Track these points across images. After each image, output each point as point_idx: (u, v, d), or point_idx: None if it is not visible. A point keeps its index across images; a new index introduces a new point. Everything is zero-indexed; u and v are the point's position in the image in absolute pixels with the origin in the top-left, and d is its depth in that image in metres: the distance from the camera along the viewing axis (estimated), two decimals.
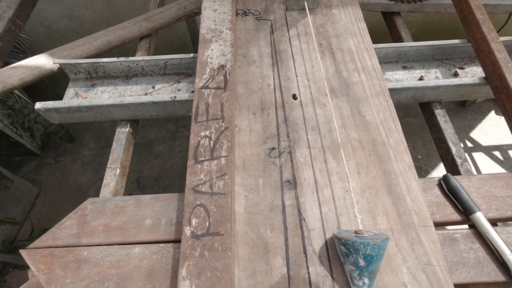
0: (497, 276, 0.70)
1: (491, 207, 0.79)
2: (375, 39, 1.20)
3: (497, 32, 1.20)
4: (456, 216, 0.77)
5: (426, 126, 3.00)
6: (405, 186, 0.76)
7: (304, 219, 0.71)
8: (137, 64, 1.07)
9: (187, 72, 1.11)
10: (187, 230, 0.64)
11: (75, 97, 1.05)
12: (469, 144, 2.90)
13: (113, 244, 0.75)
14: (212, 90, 0.81)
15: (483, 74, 1.03)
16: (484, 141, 2.91)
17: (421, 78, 1.08)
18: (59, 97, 0.98)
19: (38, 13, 2.43)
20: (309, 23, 0.98)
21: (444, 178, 0.81)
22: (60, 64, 1.04)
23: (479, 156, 2.82)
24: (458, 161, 0.93)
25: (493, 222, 0.80)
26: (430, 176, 2.60)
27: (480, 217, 0.74)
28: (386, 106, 0.86)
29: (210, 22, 0.95)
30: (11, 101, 2.33)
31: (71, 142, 2.93)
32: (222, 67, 0.84)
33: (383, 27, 1.51)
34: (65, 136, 2.82)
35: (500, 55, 0.92)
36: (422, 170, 2.67)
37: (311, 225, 0.70)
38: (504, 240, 0.72)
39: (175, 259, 0.71)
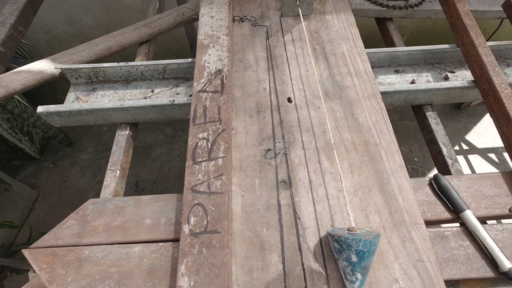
0: (486, 272, 0.73)
1: (480, 205, 0.81)
2: (370, 44, 1.23)
3: (489, 38, 1.23)
4: (446, 215, 0.80)
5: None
6: (396, 185, 0.78)
7: (299, 218, 0.74)
8: (136, 69, 1.10)
9: (185, 76, 1.14)
10: (186, 228, 0.66)
11: (76, 101, 1.08)
12: (465, 147, 2.94)
13: (114, 244, 0.77)
14: (210, 93, 0.84)
15: (472, 78, 1.06)
16: (480, 144, 2.95)
17: (412, 82, 1.12)
18: (58, 101, 1.01)
19: (38, 18, 2.46)
20: (303, 29, 1.01)
21: (435, 177, 0.84)
22: (61, 69, 1.07)
23: (474, 158, 2.86)
24: (449, 161, 0.96)
25: (482, 220, 0.82)
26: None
27: (470, 215, 0.77)
28: (378, 108, 0.89)
29: (208, 28, 0.98)
30: (11, 106, 2.34)
31: (69, 146, 2.95)
32: (219, 71, 0.87)
33: (378, 32, 1.55)
34: (64, 140, 2.84)
35: (487, 59, 0.95)
36: (419, 172, 2.70)
37: (306, 224, 0.73)
38: (493, 237, 0.74)
39: (174, 257, 0.73)
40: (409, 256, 0.70)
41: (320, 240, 0.71)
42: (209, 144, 0.75)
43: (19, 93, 1.05)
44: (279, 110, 0.89)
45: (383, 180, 0.79)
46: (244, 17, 1.10)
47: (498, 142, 2.93)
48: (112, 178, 0.94)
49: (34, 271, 0.84)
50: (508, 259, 0.71)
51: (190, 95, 1.06)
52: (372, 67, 0.98)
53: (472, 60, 1.00)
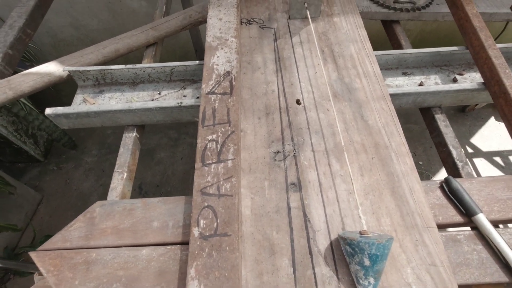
0: (501, 277, 0.71)
1: (493, 209, 0.80)
2: (376, 47, 1.23)
3: (494, 39, 1.22)
4: (458, 218, 0.79)
5: (427, 132, 3.03)
6: (407, 188, 0.77)
7: (309, 221, 0.73)
8: (144, 71, 1.10)
9: (192, 78, 1.14)
10: (195, 231, 0.65)
11: (83, 103, 1.08)
12: (470, 150, 2.92)
13: (121, 246, 0.76)
14: (219, 95, 0.83)
15: (481, 80, 1.05)
16: (484, 147, 2.93)
17: (421, 84, 1.11)
18: (63, 104, 1.01)
19: (44, 22, 2.48)
20: (311, 31, 1.01)
21: (446, 180, 0.83)
22: (69, 71, 1.07)
23: (479, 162, 2.84)
24: (459, 164, 0.95)
25: (495, 224, 0.81)
26: None
27: (482, 219, 0.75)
28: (387, 110, 0.88)
29: (216, 31, 0.98)
30: (16, 108, 2.35)
31: (74, 149, 2.95)
32: (228, 73, 0.87)
33: (383, 35, 1.55)
34: (68, 143, 2.85)
35: (498, 61, 0.95)
36: (424, 176, 2.68)
37: (316, 227, 0.72)
38: (507, 241, 0.73)
39: (182, 260, 0.72)
40: (422, 260, 0.68)
41: (331, 243, 0.70)
42: (218, 146, 0.74)
43: (27, 95, 1.05)
44: (288, 112, 0.88)
45: (394, 182, 0.78)
46: (252, 20, 1.10)
47: (503, 146, 2.91)
48: (119, 180, 0.93)
49: (39, 274, 0.83)
50: None
51: (198, 97, 1.06)
52: (380, 70, 0.98)
53: (482, 62, 0.99)
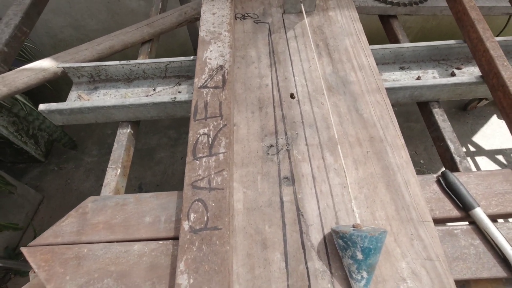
0: (498, 272, 0.70)
1: (491, 203, 0.78)
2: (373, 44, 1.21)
3: (497, 35, 1.21)
4: (455, 212, 0.77)
5: (427, 131, 3.00)
6: (403, 181, 0.76)
7: (302, 215, 0.71)
8: (138, 67, 1.10)
9: (187, 74, 1.14)
10: (186, 225, 0.64)
11: (78, 100, 1.07)
12: (472, 148, 2.89)
13: (113, 241, 0.76)
14: (211, 89, 0.82)
15: (480, 73, 1.04)
16: (487, 145, 2.89)
17: (418, 78, 1.09)
18: None
19: (44, 23, 2.49)
20: (306, 25, 1.00)
21: (443, 174, 0.81)
22: (63, 67, 1.07)
23: (482, 160, 2.81)
24: (457, 159, 0.93)
25: (493, 218, 0.79)
26: None
27: (480, 213, 0.74)
28: (383, 103, 0.87)
29: (209, 25, 0.98)
30: (16, 109, 2.36)
31: (74, 149, 2.96)
32: (221, 67, 0.86)
33: (381, 33, 1.54)
34: (68, 143, 2.85)
35: (496, 53, 0.93)
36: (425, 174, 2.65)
37: (309, 221, 0.71)
38: (505, 236, 0.71)
39: (174, 255, 0.71)
40: (417, 254, 0.67)
41: (324, 237, 0.69)
42: (210, 139, 0.74)
43: (22, 91, 1.05)
44: (282, 106, 0.87)
45: (389, 176, 0.76)
46: (246, 15, 1.09)
47: (506, 144, 2.87)
48: (113, 176, 0.93)
49: (34, 271, 0.83)
50: None
51: (192, 93, 1.05)
52: (376, 64, 0.97)
53: (480, 55, 0.98)
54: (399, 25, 1.30)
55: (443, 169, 0.89)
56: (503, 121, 3.08)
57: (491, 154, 2.85)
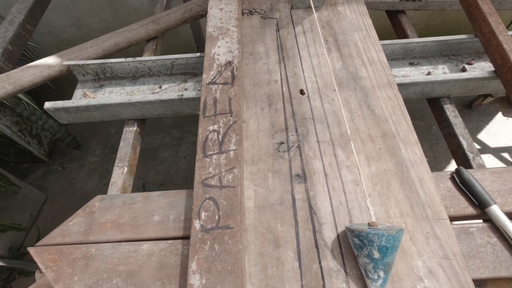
0: None
1: (507, 200, 0.76)
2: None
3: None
4: (470, 210, 0.75)
5: (433, 129, 2.98)
6: (417, 178, 0.74)
7: (315, 213, 0.70)
8: (144, 65, 1.08)
9: (193, 71, 1.12)
10: (197, 224, 0.63)
11: (83, 98, 1.06)
12: (477, 146, 2.86)
13: (122, 241, 0.74)
14: (220, 85, 0.81)
15: (492, 68, 1.02)
16: (492, 143, 2.86)
17: (428, 74, 1.07)
18: None
19: (47, 22, 2.48)
20: (314, 20, 0.98)
21: (457, 171, 0.79)
22: (69, 65, 1.06)
23: (487, 158, 2.78)
24: (470, 155, 0.91)
25: (510, 216, 0.77)
26: None
27: (496, 210, 0.72)
28: (394, 99, 0.85)
29: (217, 21, 0.96)
30: (20, 108, 2.36)
31: (77, 149, 2.95)
32: (229, 63, 0.85)
33: (386, 31, 1.52)
34: (72, 142, 2.85)
35: (510, 47, 0.91)
36: None
37: (322, 219, 0.69)
38: None
39: (184, 255, 0.70)
40: (434, 253, 0.65)
41: (338, 236, 0.67)
42: (220, 136, 0.72)
43: (27, 89, 1.04)
44: (292, 102, 0.85)
45: (402, 173, 0.75)
46: (253, 10, 1.08)
47: (511, 141, 2.84)
48: (120, 175, 0.91)
49: (41, 271, 0.82)
50: None
51: (199, 90, 1.04)
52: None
53: (493, 50, 0.96)
54: (408, 20, 1.28)
55: (453, 167, 0.88)
56: (509, 118, 3.05)
57: (497, 152, 2.82)
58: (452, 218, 0.75)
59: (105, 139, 3.07)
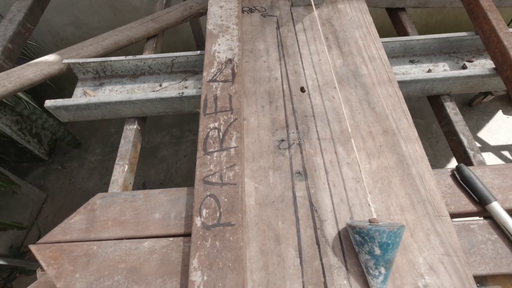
0: None
1: (508, 197, 0.77)
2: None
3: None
4: (471, 207, 0.75)
5: (432, 127, 2.98)
6: (418, 176, 0.74)
7: (316, 210, 0.70)
8: (144, 63, 1.08)
9: (193, 69, 1.12)
10: (198, 221, 0.63)
11: (84, 96, 1.06)
12: (477, 144, 2.85)
13: (123, 239, 0.74)
14: (220, 83, 0.81)
15: (492, 66, 1.02)
16: (492, 141, 2.87)
17: (429, 72, 1.07)
18: None
19: (46, 21, 2.48)
20: (315, 18, 0.98)
21: (458, 168, 0.79)
22: (69, 63, 1.06)
23: (487, 156, 2.78)
24: (470, 152, 0.91)
25: (511, 213, 0.77)
26: None
27: (497, 207, 0.72)
28: (395, 96, 0.85)
29: (217, 18, 0.96)
30: (20, 107, 2.35)
31: (77, 148, 2.95)
32: (230, 60, 0.84)
33: (385, 30, 1.51)
34: (71, 142, 2.84)
35: (510, 45, 0.91)
36: None
37: (323, 216, 0.69)
38: None
39: (185, 252, 0.70)
40: (434, 250, 0.65)
41: (339, 233, 0.67)
42: (220, 134, 0.72)
43: (27, 88, 1.04)
44: (292, 99, 0.85)
45: (403, 170, 0.75)
46: (253, 8, 1.08)
47: (511, 139, 2.84)
48: (120, 173, 0.91)
49: (42, 269, 0.82)
50: None
51: (199, 88, 1.04)
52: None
53: (493, 47, 0.96)
54: (408, 17, 1.27)
55: (453, 165, 0.88)
56: (509, 116, 3.05)
57: (497, 150, 2.83)
58: (453, 215, 0.75)
59: (105, 138, 3.06)
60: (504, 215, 0.71)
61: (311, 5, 1.03)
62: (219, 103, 0.77)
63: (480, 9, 1.00)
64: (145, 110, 0.99)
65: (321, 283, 0.62)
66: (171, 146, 3.00)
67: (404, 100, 0.85)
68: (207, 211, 0.64)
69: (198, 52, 1.06)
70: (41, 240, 0.75)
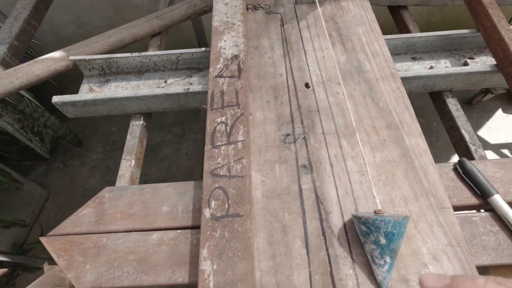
0: None
1: (509, 190, 0.78)
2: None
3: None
4: (473, 200, 0.77)
5: (433, 126, 3.00)
6: (421, 169, 0.76)
7: (322, 202, 0.71)
8: (149, 59, 1.10)
9: (198, 66, 1.13)
10: (207, 212, 0.64)
11: (90, 92, 1.07)
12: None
13: (131, 231, 0.76)
14: (227, 78, 0.82)
15: (494, 62, 1.03)
16: (492, 140, 2.89)
17: (431, 68, 1.09)
18: None
19: (48, 19, 2.48)
20: (318, 15, 0.99)
21: (460, 162, 0.81)
22: (75, 60, 1.07)
23: (487, 154, 2.80)
24: (472, 148, 0.93)
25: None
26: None
27: (499, 200, 0.74)
28: (398, 92, 0.87)
29: (222, 15, 0.97)
30: (22, 105, 2.36)
31: (79, 146, 2.96)
32: (236, 57, 0.86)
33: (389, 27, 1.52)
34: (73, 140, 2.85)
35: (511, 41, 0.92)
36: None
37: (328, 208, 0.71)
38: None
39: (193, 244, 0.71)
40: (438, 240, 0.67)
41: (344, 224, 0.69)
42: (227, 128, 0.73)
43: (34, 84, 1.05)
44: (297, 95, 0.87)
45: (407, 164, 0.76)
46: (257, 5, 1.09)
47: (511, 138, 2.86)
48: (127, 168, 0.93)
49: (49, 264, 0.83)
50: None
51: (205, 84, 1.05)
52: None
53: (495, 44, 0.97)
54: (410, 15, 1.29)
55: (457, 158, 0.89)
56: (509, 115, 3.07)
57: (497, 148, 2.85)
58: (455, 208, 0.77)
59: (107, 136, 3.07)
60: (505, 208, 0.73)
61: (315, 3, 1.05)
62: (225, 98, 0.78)
63: (482, 6, 1.01)
64: (151, 106, 1.00)
65: (328, 272, 0.63)
66: (173, 145, 3.01)
67: (407, 96, 0.86)
68: (215, 203, 0.65)
69: (203, 49, 1.07)
70: (51, 233, 0.77)
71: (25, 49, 1.23)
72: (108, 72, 1.13)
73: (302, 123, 0.82)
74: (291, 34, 1.01)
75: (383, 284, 0.60)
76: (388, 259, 0.60)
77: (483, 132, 2.95)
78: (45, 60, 1.06)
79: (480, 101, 3.04)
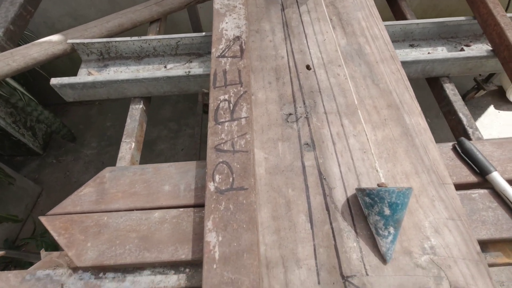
0: None
1: (506, 168, 0.80)
2: None
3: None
4: (472, 178, 0.78)
5: (427, 121, 3.03)
6: (422, 147, 0.77)
7: (325, 178, 0.72)
8: (149, 44, 1.09)
9: (198, 52, 1.13)
10: (211, 186, 0.64)
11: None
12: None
13: (133, 210, 0.75)
14: (229, 58, 0.82)
15: (490, 48, 1.05)
16: (485, 136, 2.92)
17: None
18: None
19: (42, 12, 2.45)
20: (319, 0, 1.00)
21: (459, 142, 0.82)
22: (73, 43, 1.06)
23: None
24: (470, 130, 0.95)
25: (510, 183, 0.80)
26: None
27: (497, 177, 0.75)
28: (397, 73, 0.88)
29: None
30: (15, 99, 2.31)
31: (73, 141, 2.91)
32: (238, 38, 0.86)
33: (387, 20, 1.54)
34: (67, 135, 2.80)
35: (507, 26, 0.95)
36: None
37: (331, 184, 0.71)
38: None
39: (196, 222, 0.71)
40: (439, 214, 0.68)
41: (348, 199, 0.69)
42: (231, 105, 0.73)
43: (31, 67, 1.03)
44: (299, 76, 0.87)
45: (407, 142, 0.77)
46: None
47: (503, 134, 2.92)
48: (128, 150, 0.92)
49: (45, 250, 0.81)
50: None
51: (206, 68, 1.05)
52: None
53: (491, 29, 0.99)
54: (407, 5, 1.31)
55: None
56: (500, 111, 3.13)
57: None
58: (455, 186, 0.78)
59: (101, 131, 3.04)
60: (503, 184, 0.74)
61: None
62: (228, 77, 0.78)
63: None
64: (151, 89, 1.00)
65: (332, 245, 0.64)
66: (168, 140, 2.99)
67: (406, 77, 0.88)
68: (220, 177, 0.65)
69: (204, 33, 1.07)
70: (50, 212, 0.75)
71: (21, 34, 1.21)
72: (107, 57, 1.12)
73: (304, 103, 0.83)
74: (291, 18, 1.02)
75: (387, 255, 0.61)
76: (392, 229, 0.61)
77: None
78: (43, 43, 1.05)
79: (473, 97, 3.09)
